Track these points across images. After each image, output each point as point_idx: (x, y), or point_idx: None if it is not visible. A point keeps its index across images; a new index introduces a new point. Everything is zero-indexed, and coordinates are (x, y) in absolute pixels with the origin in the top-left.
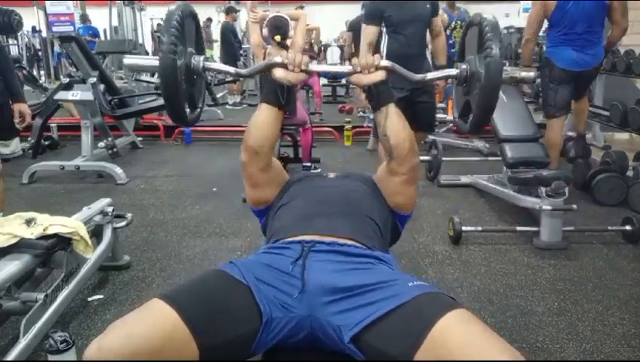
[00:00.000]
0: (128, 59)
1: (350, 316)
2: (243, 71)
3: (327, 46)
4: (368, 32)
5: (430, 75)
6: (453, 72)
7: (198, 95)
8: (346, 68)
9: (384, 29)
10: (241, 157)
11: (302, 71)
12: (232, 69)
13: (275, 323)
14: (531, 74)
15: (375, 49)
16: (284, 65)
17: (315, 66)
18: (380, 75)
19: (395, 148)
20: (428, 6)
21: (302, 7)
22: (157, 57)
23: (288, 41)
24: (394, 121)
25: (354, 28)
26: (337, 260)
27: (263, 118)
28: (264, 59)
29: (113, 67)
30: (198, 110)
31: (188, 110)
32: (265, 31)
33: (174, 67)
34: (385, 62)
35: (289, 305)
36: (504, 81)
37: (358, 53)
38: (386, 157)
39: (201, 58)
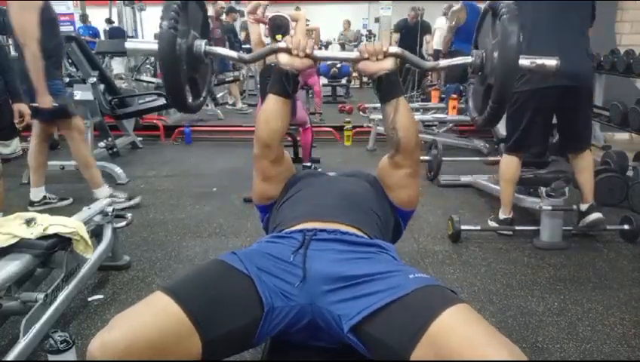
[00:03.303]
0: (129, 44)
1: (350, 305)
2: (246, 56)
3: (328, 43)
4: None
5: (443, 63)
6: (468, 59)
7: (202, 82)
8: (353, 54)
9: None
10: (253, 151)
11: (306, 56)
12: (234, 54)
13: (276, 312)
14: (554, 62)
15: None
16: (288, 51)
17: (320, 52)
18: (389, 64)
19: (403, 141)
20: None
21: (298, 9)
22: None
23: None
24: (404, 115)
25: (401, 29)
26: (339, 249)
27: (271, 110)
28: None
29: (113, 67)
30: (202, 99)
31: (190, 97)
32: (266, 30)
33: (174, 46)
34: (394, 49)
35: (290, 294)
36: (521, 66)
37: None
38: (390, 150)
39: (203, 42)
